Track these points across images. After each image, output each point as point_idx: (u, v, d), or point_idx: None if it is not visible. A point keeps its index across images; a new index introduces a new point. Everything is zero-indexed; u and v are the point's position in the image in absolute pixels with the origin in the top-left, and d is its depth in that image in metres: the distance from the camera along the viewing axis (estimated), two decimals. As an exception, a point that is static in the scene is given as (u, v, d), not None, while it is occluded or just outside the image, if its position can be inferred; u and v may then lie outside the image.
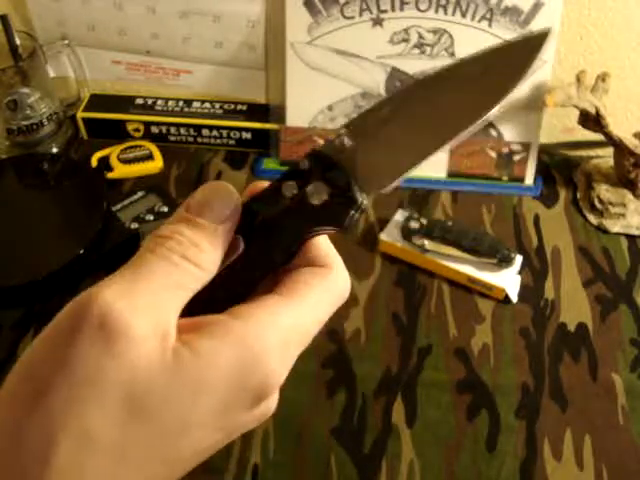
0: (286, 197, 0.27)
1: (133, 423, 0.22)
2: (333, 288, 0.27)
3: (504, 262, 0.65)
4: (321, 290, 0.27)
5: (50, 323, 0.24)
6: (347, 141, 0.28)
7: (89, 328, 0.22)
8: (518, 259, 0.67)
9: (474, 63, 0.29)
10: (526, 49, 0.29)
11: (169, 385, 0.23)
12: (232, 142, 0.83)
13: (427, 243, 0.67)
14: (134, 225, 0.70)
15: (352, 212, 0.27)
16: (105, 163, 0.78)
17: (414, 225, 0.67)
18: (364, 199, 0.27)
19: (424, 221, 0.68)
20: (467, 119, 0.28)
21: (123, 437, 0.22)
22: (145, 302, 0.23)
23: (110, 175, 0.77)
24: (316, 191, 0.27)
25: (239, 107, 0.84)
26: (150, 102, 0.84)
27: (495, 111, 0.28)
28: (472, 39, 0.73)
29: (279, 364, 0.25)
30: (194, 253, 0.25)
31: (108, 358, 0.22)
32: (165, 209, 0.72)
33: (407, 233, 0.67)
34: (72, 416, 0.22)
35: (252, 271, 0.27)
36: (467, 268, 0.66)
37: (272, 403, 0.27)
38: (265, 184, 0.29)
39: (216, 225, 0.26)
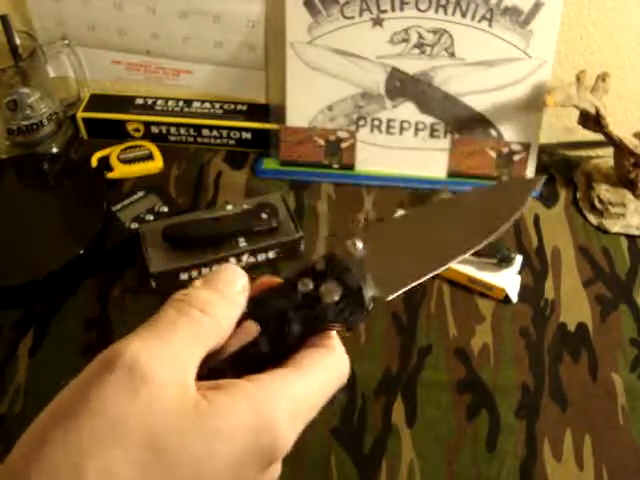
0: (301, 293, 0.29)
1: (152, 467, 0.24)
2: (336, 367, 0.30)
3: (504, 262, 0.65)
4: (326, 367, 0.29)
5: (82, 371, 0.27)
6: (360, 247, 0.31)
7: (117, 375, 0.25)
8: (518, 259, 0.67)
9: (475, 198, 0.34)
10: (520, 192, 0.35)
11: (187, 433, 0.24)
12: (232, 142, 0.83)
13: None
14: (134, 225, 0.70)
15: (360, 314, 0.30)
16: (105, 163, 0.78)
17: None
18: (371, 303, 0.31)
19: None
20: (467, 246, 0.33)
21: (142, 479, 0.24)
22: (168, 354, 0.26)
23: (110, 175, 0.77)
24: (329, 290, 0.29)
25: (239, 107, 0.84)
26: (150, 102, 0.84)
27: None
28: (472, 39, 0.73)
29: (288, 430, 0.27)
30: (212, 309, 0.28)
31: (133, 402, 0.24)
32: (165, 209, 0.72)
33: None
34: (97, 454, 0.23)
35: (263, 353, 0.29)
36: (467, 268, 0.66)
37: (277, 471, 0.29)
38: (276, 280, 0.32)
39: (231, 290, 0.29)
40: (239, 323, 0.29)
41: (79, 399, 0.25)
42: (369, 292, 0.30)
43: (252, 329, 0.29)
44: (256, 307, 0.29)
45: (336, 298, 0.29)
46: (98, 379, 0.25)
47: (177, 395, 0.25)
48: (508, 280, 0.65)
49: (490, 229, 0.33)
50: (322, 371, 0.29)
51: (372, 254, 0.32)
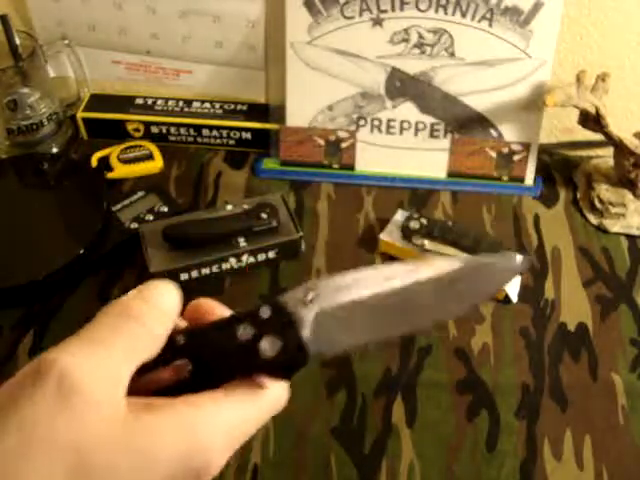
0: (240, 339, 0.28)
1: None
2: (270, 400, 0.29)
3: None
4: (260, 399, 0.29)
5: (11, 378, 0.25)
6: (310, 299, 0.29)
7: (47, 387, 0.24)
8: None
9: (452, 271, 0.31)
10: (504, 272, 0.32)
11: (116, 450, 0.24)
12: (232, 142, 0.83)
13: (427, 243, 0.67)
14: (134, 225, 0.70)
15: (298, 370, 0.29)
16: (105, 163, 0.78)
17: (414, 225, 0.67)
18: (311, 359, 0.29)
19: (424, 221, 0.67)
20: (434, 318, 0.31)
21: None
22: (99, 368, 0.25)
23: (110, 175, 0.77)
24: (269, 345, 0.28)
25: (239, 107, 0.84)
26: (150, 102, 0.84)
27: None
28: (472, 39, 0.73)
29: (219, 452, 0.26)
30: (146, 320, 0.28)
31: (62, 416, 0.24)
32: (165, 209, 0.72)
33: (407, 233, 0.67)
34: (24, 466, 0.23)
35: (196, 391, 0.28)
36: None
37: None
38: (213, 305, 0.31)
39: (164, 308, 0.29)
40: (171, 359, 0.28)
41: (7, 409, 0.24)
42: (312, 349, 0.28)
43: (184, 368, 0.28)
44: (191, 341, 0.29)
45: (274, 353, 0.28)
46: (27, 390, 0.24)
47: (107, 411, 0.24)
48: (508, 280, 0.65)
49: (463, 306, 0.32)
50: (255, 402, 0.28)
51: (324, 308, 0.29)
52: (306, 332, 0.28)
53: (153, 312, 0.28)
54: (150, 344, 0.27)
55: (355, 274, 0.31)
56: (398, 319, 0.31)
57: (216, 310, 0.32)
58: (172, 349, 0.28)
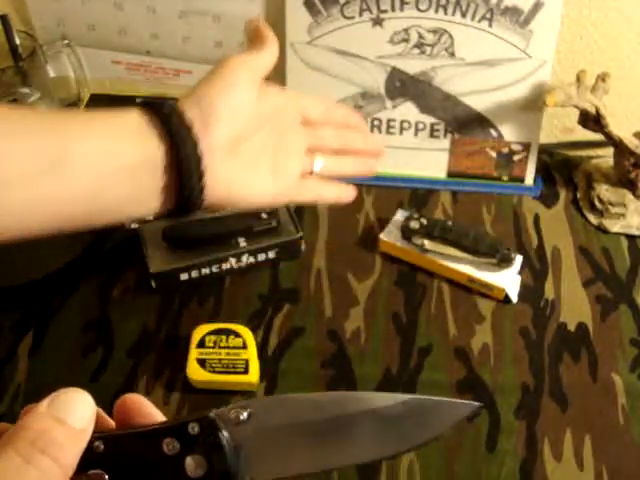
0: (165, 453, 0.27)
1: None
2: None
3: (504, 262, 0.65)
4: None
5: None
6: (244, 418, 0.28)
7: None
8: (518, 259, 0.67)
9: (397, 407, 0.30)
10: (449, 415, 0.31)
11: None
12: (232, 142, 0.83)
13: (427, 243, 0.67)
14: (134, 225, 0.69)
15: None
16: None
17: (414, 225, 0.67)
18: None
19: (424, 221, 0.67)
20: (372, 455, 0.30)
21: None
22: None
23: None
24: (195, 465, 0.27)
25: (239, 107, 0.84)
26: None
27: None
28: (472, 39, 0.73)
29: None
30: (59, 452, 0.26)
31: None
32: (165, 209, 0.72)
33: (407, 233, 0.67)
34: None
35: None
36: (467, 268, 0.66)
37: None
38: (141, 402, 0.30)
39: (78, 428, 0.27)
40: (87, 468, 0.27)
41: None
42: (239, 474, 0.27)
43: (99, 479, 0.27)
44: (111, 450, 0.27)
45: (201, 474, 0.27)
46: None
47: None
48: (508, 280, 0.65)
49: (403, 445, 0.30)
50: None
51: (257, 429, 0.28)
52: (233, 457, 0.27)
53: (67, 440, 0.26)
54: (62, 475, 0.26)
55: (291, 397, 0.30)
56: (333, 450, 0.29)
57: (144, 408, 0.30)
58: (88, 457, 0.26)
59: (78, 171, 0.35)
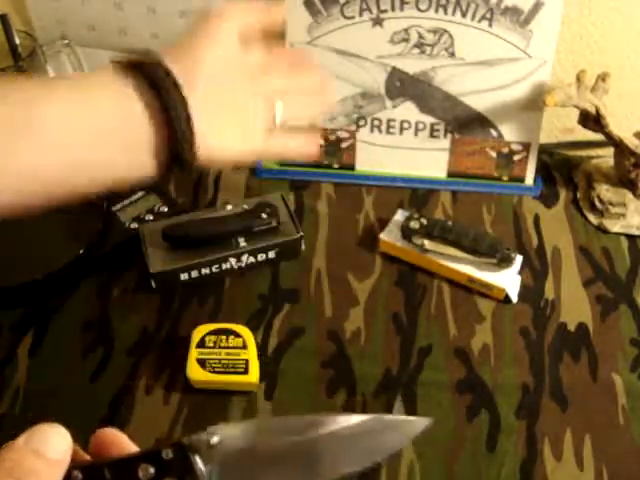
0: (140, 479, 0.28)
1: None
2: None
3: (504, 262, 0.65)
4: None
5: None
6: (215, 442, 0.30)
7: None
8: (518, 259, 0.67)
9: (354, 428, 0.32)
10: (406, 431, 0.34)
11: None
12: (232, 142, 0.83)
13: (427, 243, 0.67)
14: (134, 225, 0.70)
15: None
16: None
17: (414, 225, 0.67)
18: None
19: (424, 221, 0.67)
20: (336, 473, 0.31)
21: None
22: None
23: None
24: None
25: (239, 107, 0.84)
26: (150, 102, 0.84)
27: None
28: (472, 39, 0.73)
29: None
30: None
31: None
32: (165, 209, 0.72)
33: (407, 233, 0.67)
34: None
35: None
36: (467, 268, 0.66)
37: None
38: (119, 438, 0.31)
39: (55, 459, 0.28)
40: None
41: None
42: None
43: None
44: (90, 477, 0.28)
45: None
46: None
47: None
48: (508, 280, 0.65)
49: (366, 461, 0.32)
50: None
51: (227, 453, 0.30)
52: (207, 476, 0.29)
53: (45, 471, 0.27)
54: None
55: (260, 422, 0.31)
56: (299, 472, 0.31)
57: (120, 442, 0.31)
58: None
59: (48, 137, 0.35)
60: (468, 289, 0.66)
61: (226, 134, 0.42)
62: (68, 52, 0.83)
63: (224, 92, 0.42)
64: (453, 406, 0.57)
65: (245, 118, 0.43)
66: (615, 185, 0.76)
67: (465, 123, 0.77)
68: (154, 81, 0.38)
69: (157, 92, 0.37)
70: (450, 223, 0.68)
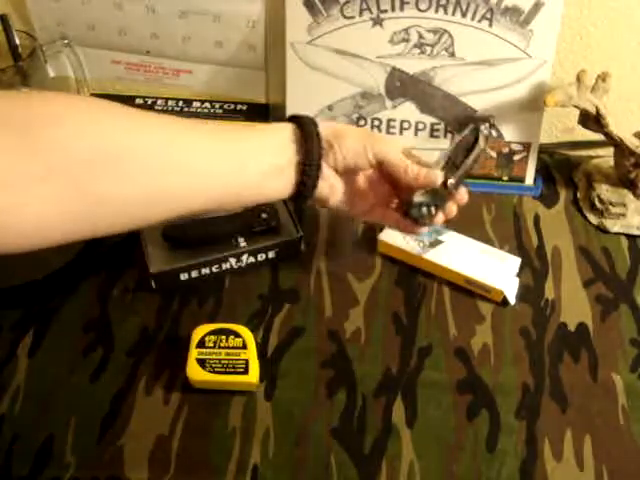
0: None
1: None
2: None
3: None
4: None
5: None
6: None
7: None
8: (517, 261, 0.67)
9: None
10: None
11: None
12: (232, 142, 0.83)
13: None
14: (134, 225, 0.69)
15: None
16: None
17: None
18: None
19: None
20: None
21: None
22: None
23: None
24: None
25: (239, 107, 0.84)
26: (150, 102, 0.84)
27: None
28: (472, 39, 0.73)
29: None
30: None
31: None
32: (165, 209, 0.72)
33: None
34: None
35: None
36: (466, 269, 0.66)
37: None
38: None
39: None
40: None
41: None
42: None
43: None
44: None
45: None
46: None
47: None
48: (506, 282, 0.65)
49: None
50: None
51: None
52: None
53: None
54: None
55: None
56: None
57: None
58: None
59: (248, 167, 0.49)
60: (468, 289, 0.66)
61: (336, 198, 0.56)
62: (68, 52, 0.83)
63: (349, 178, 0.56)
64: (453, 406, 0.57)
65: (353, 201, 0.57)
66: (615, 185, 0.76)
67: (465, 123, 0.77)
68: (310, 140, 0.51)
69: (308, 148, 0.51)
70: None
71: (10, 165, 0.38)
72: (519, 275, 0.67)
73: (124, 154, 0.42)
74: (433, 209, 0.55)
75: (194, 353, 0.57)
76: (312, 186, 0.52)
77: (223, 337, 0.58)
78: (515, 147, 0.78)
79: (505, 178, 0.79)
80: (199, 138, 0.48)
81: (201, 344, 0.57)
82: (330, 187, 0.54)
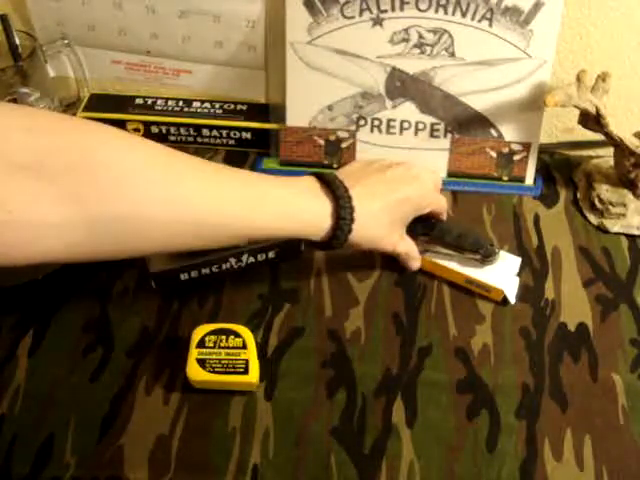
0: None
1: None
2: None
3: (487, 257, 0.64)
4: None
5: None
6: None
7: None
8: (518, 260, 0.67)
9: None
10: None
11: None
12: (232, 142, 0.83)
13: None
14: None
15: None
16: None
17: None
18: None
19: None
20: None
21: None
22: None
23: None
24: None
25: (239, 107, 0.84)
26: (150, 102, 0.84)
27: None
28: (472, 39, 0.73)
29: None
30: None
31: None
32: (165, 209, 0.72)
33: None
34: None
35: None
36: (466, 269, 0.66)
37: None
38: None
39: None
40: None
41: None
42: None
43: None
44: None
45: None
46: None
47: None
48: (506, 282, 0.65)
49: None
50: None
51: None
52: None
53: None
54: None
55: None
56: None
57: None
58: None
59: (266, 214, 0.54)
60: (468, 289, 0.66)
61: (376, 232, 0.60)
62: (68, 52, 0.83)
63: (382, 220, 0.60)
64: (453, 406, 0.57)
65: (393, 223, 0.61)
66: (615, 185, 0.76)
67: (465, 123, 0.77)
68: (336, 191, 0.56)
69: (336, 199, 0.56)
70: (433, 220, 0.67)
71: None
72: (519, 275, 0.67)
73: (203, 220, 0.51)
74: None
75: (194, 353, 0.57)
76: (345, 233, 0.57)
77: (223, 337, 0.58)
78: (515, 147, 0.78)
79: (505, 178, 0.79)
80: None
81: (201, 344, 0.57)
82: None
